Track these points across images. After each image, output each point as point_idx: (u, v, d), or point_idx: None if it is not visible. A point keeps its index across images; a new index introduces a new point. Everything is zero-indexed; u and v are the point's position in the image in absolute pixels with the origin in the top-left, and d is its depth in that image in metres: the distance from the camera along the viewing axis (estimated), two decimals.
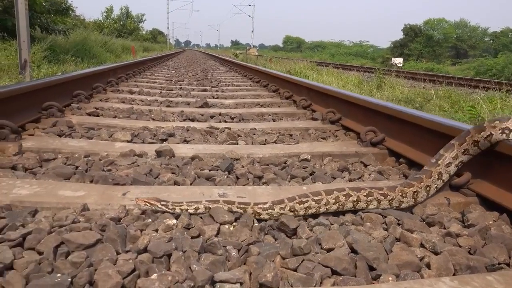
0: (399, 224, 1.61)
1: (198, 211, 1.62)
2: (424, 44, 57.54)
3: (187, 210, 1.61)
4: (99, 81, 5.36)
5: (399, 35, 67.75)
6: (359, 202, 1.70)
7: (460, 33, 65.31)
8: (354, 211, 1.73)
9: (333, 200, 1.66)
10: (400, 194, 1.74)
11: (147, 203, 1.60)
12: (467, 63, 38.45)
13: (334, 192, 1.67)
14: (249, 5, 61.02)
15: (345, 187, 1.71)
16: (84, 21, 31.27)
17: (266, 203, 1.63)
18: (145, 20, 60.82)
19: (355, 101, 3.35)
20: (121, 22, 51.37)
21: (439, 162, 1.86)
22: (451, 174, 1.90)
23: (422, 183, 1.78)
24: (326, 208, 1.67)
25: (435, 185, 1.84)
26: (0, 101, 2.73)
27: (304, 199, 1.63)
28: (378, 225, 1.60)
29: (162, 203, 1.62)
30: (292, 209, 1.62)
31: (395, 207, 1.75)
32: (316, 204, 1.64)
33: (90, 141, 2.71)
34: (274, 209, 1.61)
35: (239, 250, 1.38)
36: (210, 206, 1.62)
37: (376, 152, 2.70)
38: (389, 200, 1.72)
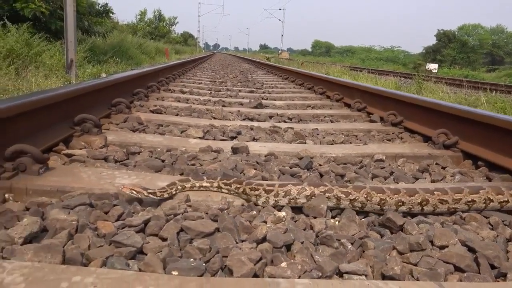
0: (505, 225, 1.59)
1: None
2: (458, 50, 56.27)
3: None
4: (152, 81, 5.49)
5: (432, 41, 66.38)
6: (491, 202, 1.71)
7: (496, 39, 63.57)
8: (453, 212, 1.71)
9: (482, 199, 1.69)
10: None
11: (132, 191, 1.59)
12: (504, 69, 37.31)
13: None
14: (280, 9, 61.08)
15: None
16: (117, 24, 32.04)
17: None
18: (177, 23, 61.73)
19: (420, 103, 3.32)
20: (154, 25, 52.32)
21: None
22: None
23: None
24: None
25: None
26: (80, 96, 2.85)
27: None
28: (484, 225, 1.59)
29: (150, 190, 1.61)
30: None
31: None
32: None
33: (165, 137, 2.78)
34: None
35: (352, 244, 1.39)
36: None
37: (450, 154, 2.67)
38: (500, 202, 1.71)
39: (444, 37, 57.85)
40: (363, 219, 1.58)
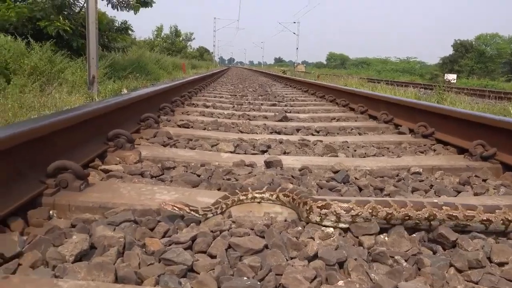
0: None
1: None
2: (476, 60, 55.58)
3: None
4: (175, 95, 5.53)
5: (448, 51, 65.81)
6: None
7: None
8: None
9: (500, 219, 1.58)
10: None
11: (174, 207, 1.55)
12: None
13: None
14: (294, 22, 61.46)
15: None
16: (135, 40, 32.62)
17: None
18: (194, 39, 62.59)
19: (453, 114, 3.25)
20: (170, 41, 53.14)
21: None
22: None
23: None
24: None
25: None
26: (112, 112, 2.87)
27: None
28: None
29: (191, 207, 1.57)
30: None
31: None
32: None
33: (197, 151, 2.78)
34: None
35: (406, 260, 1.34)
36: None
37: (489, 166, 2.59)
38: None
39: (461, 47, 57.28)
40: (414, 235, 1.52)
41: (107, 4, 16.24)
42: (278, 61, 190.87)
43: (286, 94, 8.89)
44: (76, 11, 14.77)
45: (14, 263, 1.21)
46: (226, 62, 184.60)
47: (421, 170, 2.50)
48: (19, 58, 10.19)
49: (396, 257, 1.34)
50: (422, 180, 2.33)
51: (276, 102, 6.71)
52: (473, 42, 58.64)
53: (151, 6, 16.42)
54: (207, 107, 5.58)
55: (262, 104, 6.40)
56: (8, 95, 7.51)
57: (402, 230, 1.53)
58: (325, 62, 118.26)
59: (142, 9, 16.63)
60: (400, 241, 1.45)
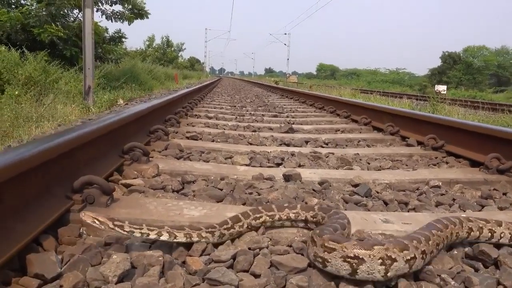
0: None
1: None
2: (464, 72, 56.47)
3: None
4: (178, 107, 5.50)
5: (437, 63, 66.77)
6: None
7: (501, 61, 63.75)
8: None
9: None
10: None
11: (95, 220, 1.37)
12: None
13: None
14: (285, 33, 61.93)
15: None
16: (126, 50, 32.52)
17: None
18: (185, 49, 62.71)
19: (464, 127, 3.27)
20: (162, 51, 53.14)
21: None
22: None
23: None
24: None
25: None
26: (124, 126, 2.82)
27: None
28: None
29: (116, 223, 1.38)
30: None
31: None
32: None
33: (213, 164, 2.74)
34: None
35: (453, 278, 1.32)
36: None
37: (507, 179, 2.60)
38: None
39: (449, 59, 58.19)
40: (455, 252, 1.50)
41: (102, 15, 16.25)
42: (269, 71, 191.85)
43: (284, 105, 8.90)
44: (71, 20, 14.73)
45: (55, 285, 1.16)
46: (217, 72, 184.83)
47: (440, 183, 2.50)
48: (13, 68, 10.09)
49: (443, 276, 1.31)
50: (443, 194, 2.32)
51: (277, 113, 6.71)
52: (461, 54, 59.63)
53: (147, 17, 16.45)
54: (210, 118, 5.55)
55: (263, 115, 6.39)
56: (3, 105, 7.41)
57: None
58: (315, 73, 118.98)
59: (136, 21, 16.66)
60: (442, 258, 1.43)
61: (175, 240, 1.42)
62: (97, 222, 1.37)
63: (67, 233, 1.50)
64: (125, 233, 1.38)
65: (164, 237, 1.40)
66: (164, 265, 1.31)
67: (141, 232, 1.39)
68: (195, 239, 1.44)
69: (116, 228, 1.37)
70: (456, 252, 1.50)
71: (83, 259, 1.28)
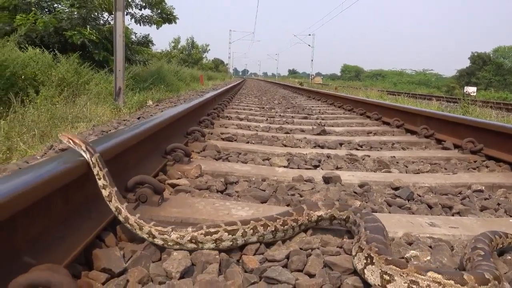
0: None
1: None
2: (494, 73, 55.02)
3: None
4: (210, 108, 5.58)
5: (465, 63, 65.26)
6: None
7: None
8: None
9: None
10: None
11: (70, 140, 1.48)
12: None
13: None
14: (309, 34, 61.70)
15: None
16: (153, 52, 33.05)
17: None
18: (209, 50, 63.30)
19: (504, 130, 3.21)
20: (187, 52, 53.79)
21: None
22: None
23: None
24: None
25: None
26: (166, 127, 2.89)
27: None
28: None
29: (89, 147, 1.46)
30: None
31: None
32: None
33: (252, 166, 2.78)
34: None
35: (509, 283, 1.32)
36: None
37: None
38: None
39: (479, 60, 56.80)
40: (508, 257, 1.50)
41: (131, 18, 16.58)
42: (292, 72, 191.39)
43: (312, 107, 8.89)
44: (101, 24, 15.08)
45: (123, 279, 1.22)
46: (240, 73, 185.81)
47: (482, 187, 2.47)
48: (47, 70, 10.40)
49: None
50: (487, 199, 2.29)
51: (307, 115, 6.72)
52: (491, 55, 58.13)
53: (175, 22, 16.67)
54: (241, 119, 5.61)
55: (293, 117, 6.40)
56: (39, 106, 7.66)
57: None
58: (339, 74, 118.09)
59: (164, 25, 16.92)
60: (496, 264, 1.42)
61: None
62: (71, 142, 1.47)
63: (125, 230, 1.56)
64: None
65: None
66: (221, 263, 1.36)
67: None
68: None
69: (89, 149, 1.45)
70: (509, 257, 1.49)
71: (145, 256, 1.34)
